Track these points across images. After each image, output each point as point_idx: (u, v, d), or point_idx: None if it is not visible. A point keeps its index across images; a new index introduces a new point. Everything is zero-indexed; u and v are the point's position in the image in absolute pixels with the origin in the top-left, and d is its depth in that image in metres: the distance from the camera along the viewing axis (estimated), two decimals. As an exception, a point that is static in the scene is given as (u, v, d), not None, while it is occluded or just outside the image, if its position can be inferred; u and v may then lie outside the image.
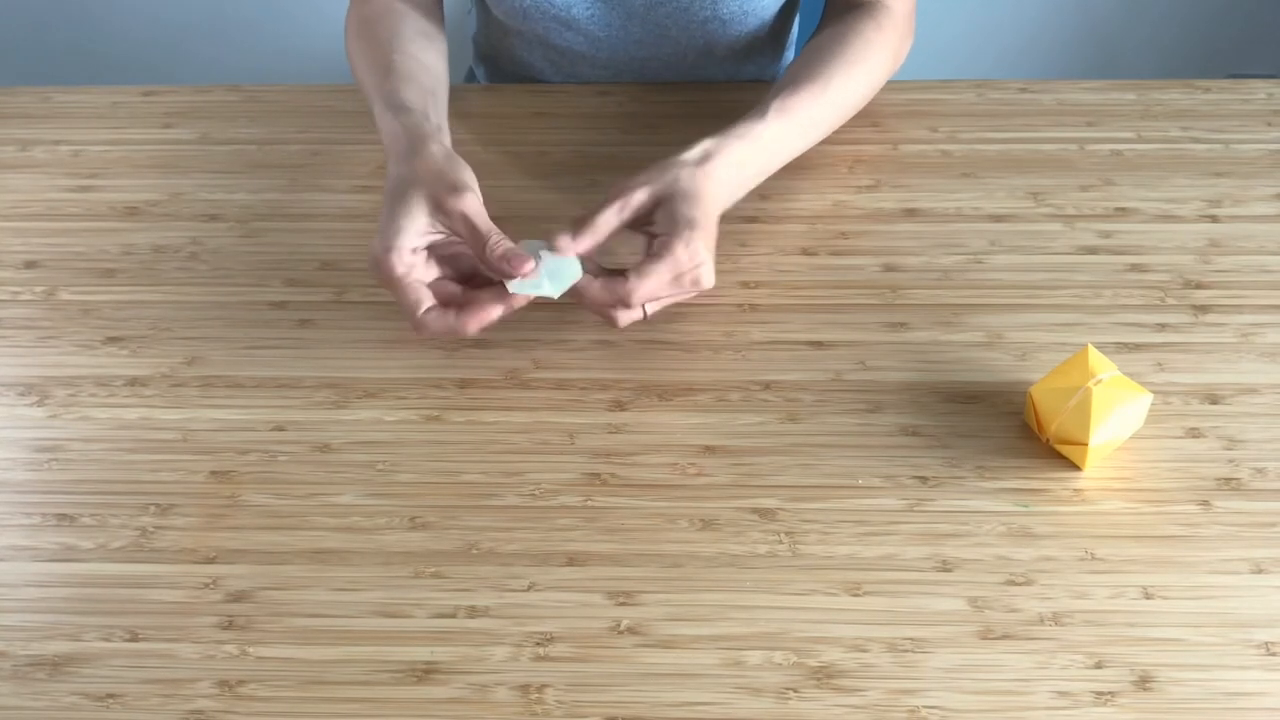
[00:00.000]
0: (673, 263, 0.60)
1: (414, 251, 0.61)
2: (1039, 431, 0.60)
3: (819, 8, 1.04)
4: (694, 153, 0.65)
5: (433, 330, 0.61)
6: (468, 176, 0.62)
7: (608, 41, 0.84)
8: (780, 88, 0.72)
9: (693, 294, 0.63)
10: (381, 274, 0.60)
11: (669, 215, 0.62)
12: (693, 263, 0.61)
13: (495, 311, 0.61)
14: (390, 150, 0.66)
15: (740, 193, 0.68)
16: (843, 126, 0.76)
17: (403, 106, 0.68)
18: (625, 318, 0.62)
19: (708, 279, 0.62)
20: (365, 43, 0.76)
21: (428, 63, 0.74)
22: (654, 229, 0.63)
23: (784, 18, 0.88)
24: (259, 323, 0.68)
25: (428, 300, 0.61)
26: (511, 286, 0.60)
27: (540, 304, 0.69)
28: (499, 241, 0.60)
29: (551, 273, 0.61)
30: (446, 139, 0.68)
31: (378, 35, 0.75)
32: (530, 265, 0.60)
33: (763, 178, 0.70)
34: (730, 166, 0.66)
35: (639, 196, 0.63)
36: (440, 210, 0.61)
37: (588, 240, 0.62)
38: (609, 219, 0.62)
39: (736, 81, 0.89)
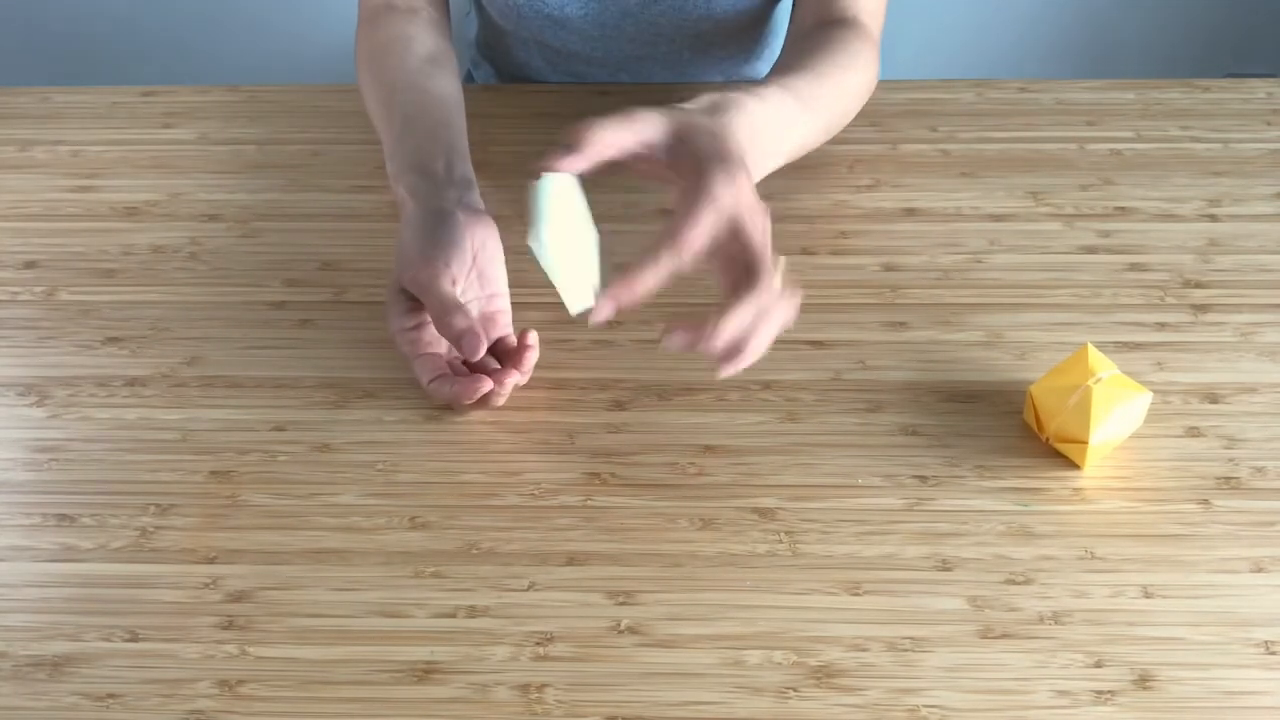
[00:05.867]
0: (713, 203, 0.50)
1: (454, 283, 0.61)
2: (1039, 430, 0.60)
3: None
4: (699, 103, 0.58)
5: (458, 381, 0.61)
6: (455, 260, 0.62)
7: (602, 40, 0.84)
8: (771, 74, 0.68)
9: (764, 275, 0.52)
10: (429, 287, 0.60)
11: (693, 152, 0.53)
12: (739, 202, 0.51)
13: (486, 384, 0.60)
14: (402, 212, 0.66)
15: (760, 156, 0.59)
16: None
17: (410, 167, 0.66)
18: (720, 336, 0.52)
19: (765, 228, 0.52)
20: (372, 79, 0.74)
21: (437, 90, 0.72)
22: (676, 174, 0.54)
23: (778, 16, 0.88)
24: (259, 323, 0.68)
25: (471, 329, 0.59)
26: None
27: (539, 304, 0.69)
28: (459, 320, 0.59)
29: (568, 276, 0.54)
30: (460, 170, 0.67)
31: (384, 73, 0.74)
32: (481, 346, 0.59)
33: (778, 154, 0.63)
34: (744, 115, 0.58)
35: (650, 120, 0.54)
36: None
37: (584, 155, 0.53)
38: (614, 131, 0.53)
39: (734, 82, 0.89)
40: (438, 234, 0.62)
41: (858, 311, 0.68)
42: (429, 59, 0.74)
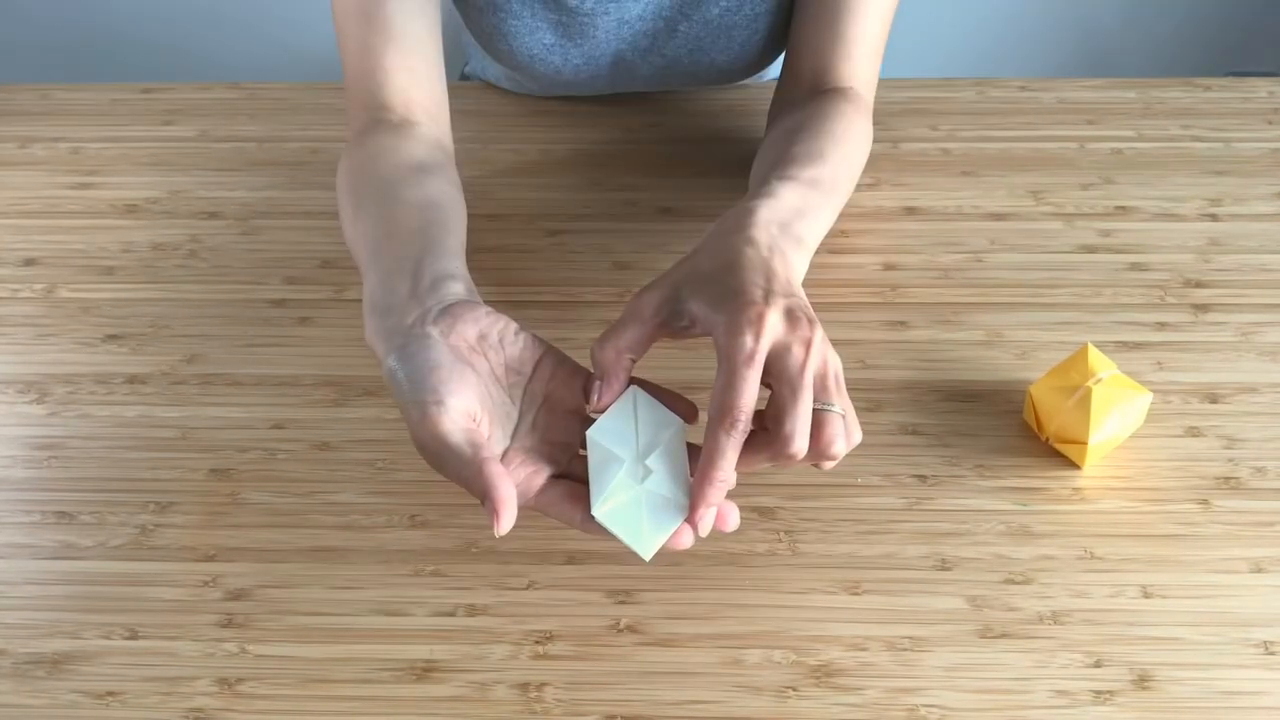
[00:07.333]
0: (743, 361, 0.46)
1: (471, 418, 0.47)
2: (1038, 430, 0.60)
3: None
4: (705, 242, 0.53)
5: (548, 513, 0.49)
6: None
7: (606, 90, 0.83)
8: (772, 164, 0.62)
9: (837, 407, 0.49)
10: (440, 450, 0.46)
11: (704, 308, 0.49)
12: (767, 338, 0.47)
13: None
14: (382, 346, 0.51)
15: (791, 244, 0.54)
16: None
17: (372, 309, 0.53)
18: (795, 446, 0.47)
19: (816, 357, 0.48)
20: (351, 210, 0.61)
21: (417, 197, 0.59)
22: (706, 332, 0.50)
23: (784, 35, 0.86)
24: (258, 320, 0.68)
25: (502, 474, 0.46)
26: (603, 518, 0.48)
27: (538, 303, 0.69)
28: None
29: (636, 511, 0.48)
30: (431, 274, 0.52)
31: (358, 198, 0.61)
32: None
33: (807, 238, 0.56)
34: (755, 227, 0.53)
35: (650, 301, 0.51)
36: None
37: (612, 384, 0.50)
38: (625, 337, 0.50)
39: (737, 83, 0.89)
40: (418, 376, 0.47)
41: (858, 311, 0.68)
42: (416, 167, 0.61)
